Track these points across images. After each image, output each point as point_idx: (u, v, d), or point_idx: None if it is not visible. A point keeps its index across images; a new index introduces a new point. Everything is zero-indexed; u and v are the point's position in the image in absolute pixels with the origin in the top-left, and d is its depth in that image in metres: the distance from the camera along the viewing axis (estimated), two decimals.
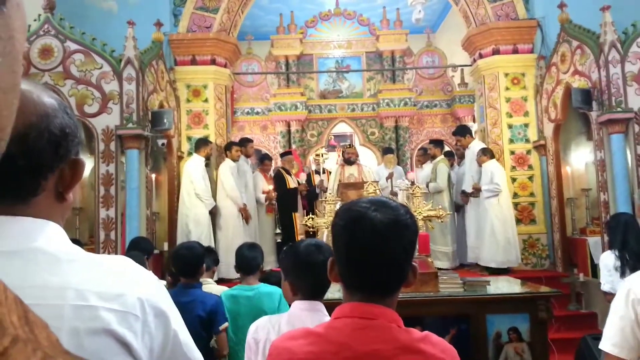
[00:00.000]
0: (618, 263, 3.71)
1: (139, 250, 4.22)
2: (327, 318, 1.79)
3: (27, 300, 0.44)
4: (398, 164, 8.98)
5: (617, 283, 3.71)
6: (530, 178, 7.38)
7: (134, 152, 5.93)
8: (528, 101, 7.49)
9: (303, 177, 8.52)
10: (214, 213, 6.76)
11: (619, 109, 5.71)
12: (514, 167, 7.36)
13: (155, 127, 6.27)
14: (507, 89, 7.53)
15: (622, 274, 3.66)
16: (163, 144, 6.50)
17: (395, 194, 7.20)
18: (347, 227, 1.14)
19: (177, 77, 7.55)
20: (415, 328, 1.15)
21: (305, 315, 1.88)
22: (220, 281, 5.33)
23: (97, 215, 5.85)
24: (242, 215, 6.86)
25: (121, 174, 5.93)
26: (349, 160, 7.80)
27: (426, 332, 1.13)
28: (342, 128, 10.55)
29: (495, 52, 7.57)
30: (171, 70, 7.40)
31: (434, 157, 7.72)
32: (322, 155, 8.68)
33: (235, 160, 7.05)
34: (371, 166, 8.82)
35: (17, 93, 0.48)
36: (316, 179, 8.50)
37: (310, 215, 4.56)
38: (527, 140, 7.43)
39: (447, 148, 9.24)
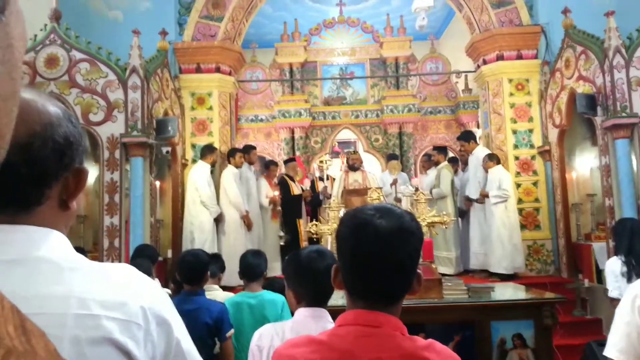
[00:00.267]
0: (624, 269, 3.69)
1: (144, 258, 4.24)
2: (331, 325, 1.79)
3: (30, 310, 0.44)
4: (402, 170, 8.97)
5: (625, 289, 3.69)
6: (535, 184, 7.36)
7: (139, 160, 5.95)
8: (532, 107, 7.48)
9: (307, 184, 8.52)
10: (218, 220, 6.76)
11: (623, 114, 5.69)
12: (518, 173, 7.35)
13: (160, 135, 6.29)
14: (511, 94, 7.53)
15: (629, 280, 3.65)
16: (167, 152, 6.52)
17: (400, 200, 7.20)
18: (352, 234, 1.14)
19: (182, 85, 7.58)
20: (419, 335, 1.14)
21: (309, 323, 1.87)
22: (222, 288, 5.32)
23: (102, 223, 5.87)
24: (244, 222, 6.86)
25: (125, 182, 5.95)
26: (354, 166, 7.80)
27: (430, 340, 1.13)
28: (346, 135, 10.56)
29: (499, 58, 7.57)
30: (176, 79, 7.43)
31: (437, 163, 7.72)
32: (325, 162, 8.68)
33: (238, 167, 7.06)
34: (375, 172, 8.81)
35: (17, 100, 0.49)
36: (320, 185, 8.50)
37: (314, 222, 4.56)
38: (532, 146, 7.42)
39: (450, 154, 9.25)
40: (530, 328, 3.65)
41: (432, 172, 7.82)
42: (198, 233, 6.55)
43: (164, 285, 5.21)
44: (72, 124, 0.85)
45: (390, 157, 8.93)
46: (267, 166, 7.97)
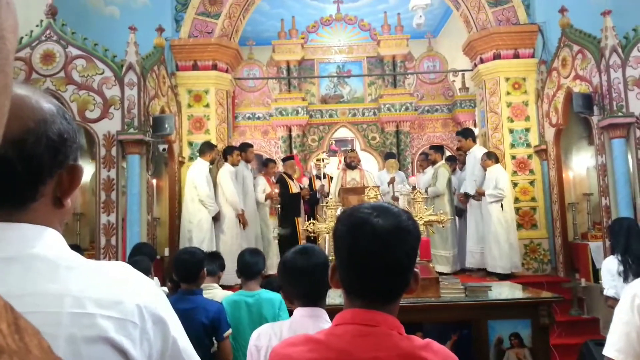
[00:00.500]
0: (621, 268, 3.70)
1: (143, 256, 4.22)
2: (328, 325, 1.79)
3: (25, 308, 0.44)
4: (399, 169, 8.97)
5: (621, 288, 3.70)
6: (532, 183, 7.38)
7: (135, 158, 5.93)
8: (529, 106, 7.50)
9: (305, 182, 8.51)
10: (215, 218, 6.73)
11: (620, 114, 5.70)
12: (515, 172, 7.36)
13: (157, 133, 6.27)
14: (508, 93, 7.54)
15: (625, 279, 3.65)
16: (164, 149, 6.49)
17: (397, 199, 7.20)
18: (349, 233, 1.13)
19: (179, 82, 7.56)
20: (416, 334, 1.14)
21: (307, 322, 1.87)
22: (221, 287, 5.30)
23: (98, 221, 5.85)
24: (239, 220, 6.85)
25: (122, 179, 5.93)
26: (351, 165, 7.79)
27: (428, 340, 1.12)
28: (343, 133, 10.55)
29: (496, 56, 7.58)
30: (172, 76, 7.41)
31: (434, 162, 7.72)
32: (323, 160, 8.67)
33: (235, 165, 7.04)
34: (373, 171, 8.81)
35: (9, 94, 0.48)
36: (317, 183, 8.50)
37: (311, 221, 4.56)
38: (528, 145, 7.43)
39: (447, 153, 9.25)
40: (528, 327, 3.66)
41: (430, 171, 7.82)
42: (196, 231, 6.51)
43: (162, 283, 5.20)
44: (66, 120, 0.84)
45: (387, 156, 8.93)
46: (266, 164, 7.93)
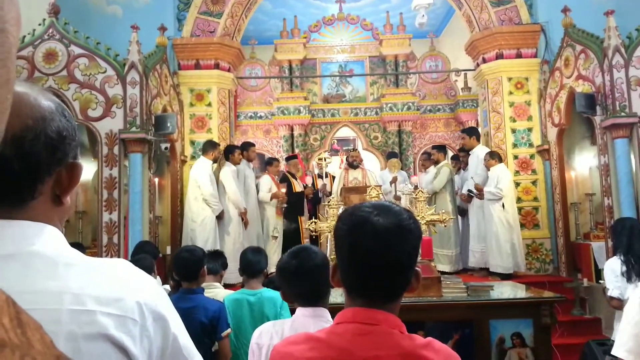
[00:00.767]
0: (624, 268, 3.69)
1: (146, 254, 4.23)
2: (330, 324, 1.79)
3: (24, 305, 0.44)
4: (401, 168, 8.96)
5: (624, 288, 3.69)
6: (534, 183, 7.37)
7: (137, 156, 5.94)
8: (532, 106, 7.49)
9: (308, 181, 8.50)
10: (219, 217, 6.70)
11: (622, 114, 5.69)
12: (517, 172, 7.35)
13: (159, 131, 6.28)
14: (511, 93, 7.53)
15: (629, 279, 3.64)
16: (166, 148, 6.49)
17: (399, 199, 7.19)
18: (349, 232, 1.13)
19: (181, 81, 7.57)
20: (418, 333, 1.13)
21: (308, 322, 1.87)
22: (224, 286, 5.30)
23: (100, 219, 5.86)
24: (241, 219, 6.84)
25: (124, 178, 5.94)
26: (353, 164, 7.79)
27: (429, 339, 1.12)
28: (345, 132, 10.54)
29: (499, 56, 7.57)
30: (175, 75, 7.42)
31: (437, 162, 7.71)
32: (325, 159, 8.67)
33: (236, 164, 7.03)
34: (375, 170, 8.80)
35: (11, 88, 0.48)
36: (319, 183, 8.49)
37: (313, 220, 4.56)
38: (531, 145, 7.42)
39: (450, 153, 9.24)
40: (529, 327, 3.65)
41: (432, 170, 7.81)
42: (200, 230, 6.48)
43: (163, 282, 5.21)
44: (65, 118, 0.84)
45: (390, 155, 8.92)
46: (270, 162, 7.81)
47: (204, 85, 7.67)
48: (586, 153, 6.99)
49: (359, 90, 10.57)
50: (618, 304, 3.75)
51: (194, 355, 0.92)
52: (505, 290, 4.24)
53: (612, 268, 3.81)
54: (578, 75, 6.40)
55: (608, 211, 5.90)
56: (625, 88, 5.73)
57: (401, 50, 10.21)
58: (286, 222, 7.48)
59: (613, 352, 1.62)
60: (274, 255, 6.99)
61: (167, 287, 4.11)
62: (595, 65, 6.04)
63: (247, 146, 7.52)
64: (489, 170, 6.83)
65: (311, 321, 1.87)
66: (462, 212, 7.58)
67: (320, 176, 8.69)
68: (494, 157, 6.83)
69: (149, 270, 3.63)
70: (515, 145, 7.45)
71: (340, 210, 4.22)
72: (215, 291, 3.49)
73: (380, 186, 5.12)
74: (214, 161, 6.88)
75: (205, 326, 2.95)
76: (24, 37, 5.86)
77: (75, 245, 0.87)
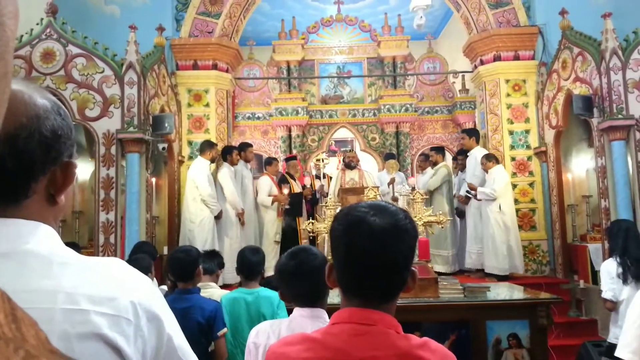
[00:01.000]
0: (620, 270, 3.69)
1: (144, 254, 4.22)
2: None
3: (17, 304, 0.44)
4: (399, 169, 8.96)
5: (620, 290, 3.70)
6: (531, 184, 7.38)
7: (135, 156, 5.93)
8: (529, 108, 7.50)
9: (308, 182, 8.49)
10: (217, 218, 6.68)
11: (620, 116, 5.70)
12: (514, 174, 7.36)
13: (156, 131, 6.27)
14: (508, 95, 7.54)
15: (624, 281, 3.65)
16: (164, 148, 6.48)
17: (397, 200, 7.19)
18: (345, 232, 1.13)
19: (179, 82, 7.56)
20: (414, 334, 1.13)
21: (306, 322, 1.87)
22: (222, 286, 5.29)
23: (97, 219, 5.85)
24: (239, 219, 6.83)
25: (121, 178, 5.93)
26: (350, 164, 7.79)
27: (425, 339, 1.12)
28: (343, 133, 10.53)
29: (497, 58, 7.58)
30: (173, 75, 7.41)
31: (435, 163, 7.72)
32: (322, 161, 8.66)
33: (234, 164, 7.02)
34: (372, 171, 8.79)
35: (9, 81, 0.47)
36: (316, 184, 8.49)
37: (310, 220, 4.56)
38: (528, 147, 7.43)
39: (448, 154, 9.25)
40: (526, 328, 3.65)
41: (429, 172, 7.82)
42: (199, 231, 6.45)
43: (160, 282, 5.19)
44: (60, 116, 0.83)
45: (387, 157, 8.93)
46: (269, 162, 7.73)
47: (202, 85, 7.66)
48: (583, 155, 7.01)
49: (357, 92, 10.56)
50: (612, 306, 3.76)
51: (189, 355, 0.92)
52: (501, 292, 4.25)
53: (608, 270, 3.82)
54: (575, 78, 6.41)
55: (605, 213, 5.91)
56: (623, 90, 5.75)
57: (399, 52, 10.21)
58: (287, 218, 7.41)
59: (617, 354, 1.62)
60: (273, 260, 6.96)
61: (164, 287, 4.10)
62: (592, 68, 6.05)
63: (244, 147, 7.51)
64: (487, 172, 6.84)
65: (309, 321, 1.87)
66: (460, 213, 7.59)
67: (318, 177, 8.68)
68: (490, 159, 6.83)
69: (146, 270, 3.62)
70: (512, 147, 7.46)
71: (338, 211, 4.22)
72: (210, 291, 3.48)
73: (377, 187, 5.12)
74: (212, 161, 6.86)
75: (202, 326, 2.95)
76: (22, 36, 5.85)
77: (71, 244, 0.86)
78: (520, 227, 7.08)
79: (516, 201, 7.18)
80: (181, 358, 0.89)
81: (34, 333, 0.41)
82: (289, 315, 2.09)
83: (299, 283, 1.92)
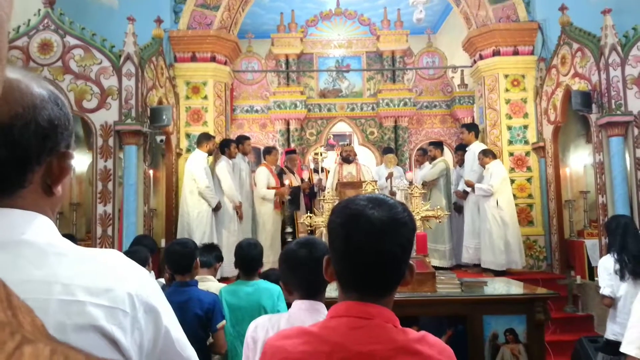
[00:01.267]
0: (617, 266, 3.70)
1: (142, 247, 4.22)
2: None
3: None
4: (397, 164, 8.96)
5: (617, 286, 3.70)
6: (529, 180, 7.38)
7: (132, 148, 5.91)
8: (528, 103, 7.50)
9: (306, 176, 8.48)
10: (216, 209, 6.64)
11: (618, 112, 5.70)
12: (512, 169, 7.36)
13: (154, 124, 6.25)
14: (507, 90, 7.53)
15: (622, 277, 3.65)
16: (161, 141, 6.46)
17: (395, 194, 7.20)
18: (343, 224, 1.12)
19: (177, 74, 7.53)
20: (411, 328, 1.13)
21: (305, 316, 1.86)
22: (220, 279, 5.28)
23: (94, 211, 5.84)
24: (237, 213, 6.82)
25: (119, 170, 5.91)
26: (347, 158, 7.78)
27: (423, 333, 1.12)
28: (341, 127, 10.52)
29: (496, 53, 7.57)
30: (171, 67, 7.38)
31: (434, 158, 7.71)
32: (321, 154, 8.65)
33: (232, 157, 7.00)
34: (370, 166, 8.79)
35: (3, 65, 0.46)
36: (314, 177, 8.48)
37: (309, 214, 4.55)
38: (526, 142, 7.43)
39: (447, 149, 9.24)
40: (523, 323, 3.66)
41: (427, 166, 7.83)
42: (197, 224, 6.43)
43: (158, 275, 5.19)
44: (58, 106, 0.82)
45: (386, 151, 8.92)
46: (269, 151, 7.59)
47: (200, 78, 7.63)
48: (581, 151, 7.01)
49: (355, 86, 10.54)
50: (610, 302, 3.77)
51: (187, 347, 0.91)
52: (498, 287, 4.26)
53: (605, 266, 3.83)
54: (574, 73, 6.40)
55: (602, 209, 5.92)
56: (621, 86, 5.74)
57: (398, 46, 10.18)
58: (290, 208, 7.35)
59: (622, 350, 1.62)
60: (270, 253, 6.94)
61: (162, 280, 4.09)
62: (591, 64, 6.04)
63: (242, 139, 7.49)
64: (484, 168, 6.84)
65: (308, 315, 1.86)
66: (458, 208, 7.60)
67: (316, 171, 8.68)
68: (488, 154, 6.83)
69: (143, 263, 3.62)
70: (510, 143, 7.46)
71: None
72: (208, 284, 3.48)
73: (375, 181, 5.11)
74: (209, 153, 6.84)
75: (201, 318, 2.95)
76: (19, 27, 5.82)
77: (67, 236, 0.85)
78: (517, 222, 7.09)
79: (514, 196, 7.18)
80: (178, 350, 0.88)
81: (30, 320, 0.41)
82: (288, 307, 2.07)
83: (311, 271, 1.88)
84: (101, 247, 5.73)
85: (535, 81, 7.42)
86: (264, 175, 7.24)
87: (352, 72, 10.45)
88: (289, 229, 7.24)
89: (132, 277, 0.83)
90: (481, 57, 7.73)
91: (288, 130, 10.08)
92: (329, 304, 1.41)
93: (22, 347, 0.37)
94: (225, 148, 7.00)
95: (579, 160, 7.03)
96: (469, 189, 6.93)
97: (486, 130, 7.63)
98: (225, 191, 6.73)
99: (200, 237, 6.03)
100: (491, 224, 6.60)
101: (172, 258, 3.17)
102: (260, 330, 1.95)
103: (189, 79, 7.61)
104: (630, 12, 6.33)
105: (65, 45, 5.90)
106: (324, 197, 4.79)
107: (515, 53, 7.53)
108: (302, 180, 8.04)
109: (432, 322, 3.69)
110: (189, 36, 7.49)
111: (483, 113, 7.77)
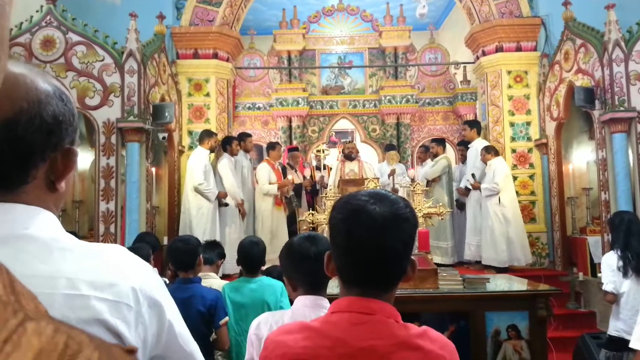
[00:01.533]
0: (620, 263, 3.69)
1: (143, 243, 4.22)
2: None
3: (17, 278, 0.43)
4: (399, 161, 8.95)
5: (620, 283, 3.70)
6: (532, 176, 7.37)
7: (135, 146, 5.92)
8: (530, 99, 7.48)
9: (308, 173, 8.47)
10: (220, 205, 6.64)
11: (621, 108, 5.68)
12: (515, 166, 7.35)
13: (156, 121, 6.25)
14: (510, 86, 7.51)
15: (625, 274, 3.65)
16: (164, 138, 6.47)
17: (397, 191, 7.19)
18: (345, 220, 1.12)
19: (179, 71, 7.53)
20: (414, 324, 1.13)
21: (308, 312, 1.85)
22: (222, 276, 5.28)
23: (97, 208, 5.85)
24: (239, 210, 6.82)
25: (121, 167, 5.92)
26: (349, 156, 7.77)
27: (425, 328, 1.11)
28: (343, 124, 10.51)
29: (499, 49, 7.55)
30: (173, 64, 7.38)
31: (436, 155, 7.70)
32: (323, 151, 8.64)
33: (234, 154, 7.00)
34: (372, 163, 8.78)
35: (5, 48, 0.46)
36: (317, 175, 8.48)
37: (310, 211, 4.55)
38: (529, 139, 7.41)
39: (449, 146, 9.24)
40: (525, 320, 3.65)
41: (429, 164, 7.82)
42: (198, 221, 6.43)
43: (161, 273, 5.20)
44: (62, 102, 0.82)
45: (388, 148, 8.91)
46: (273, 147, 7.57)
47: (202, 74, 7.63)
48: (584, 147, 6.99)
49: (357, 82, 10.52)
50: (613, 299, 3.76)
51: (190, 342, 0.92)
52: (501, 283, 4.25)
53: (609, 262, 3.82)
54: (577, 69, 6.38)
55: (605, 206, 5.91)
56: (625, 82, 5.72)
57: (401, 42, 10.15)
58: (293, 203, 7.34)
59: (632, 345, 1.62)
60: (270, 250, 6.92)
61: (165, 279, 4.10)
62: (595, 59, 6.02)
63: (244, 137, 7.49)
64: (486, 164, 6.83)
65: (311, 311, 1.85)
66: (460, 205, 7.59)
67: (318, 168, 8.67)
68: (490, 151, 6.82)
69: (145, 259, 3.62)
70: (513, 139, 7.44)
71: None
72: (210, 281, 3.48)
73: (378, 178, 5.11)
74: (211, 150, 6.84)
75: (204, 315, 2.96)
76: (21, 23, 5.82)
77: (69, 233, 0.85)
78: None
79: (517, 193, 7.16)
80: (182, 345, 0.89)
81: (33, 306, 0.41)
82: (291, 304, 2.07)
83: (311, 266, 1.88)
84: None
85: (538, 77, 7.40)
86: (265, 172, 7.22)
87: (355, 69, 10.43)
88: (292, 227, 7.23)
89: (136, 272, 0.84)
90: (484, 53, 7.71)
91: (290, 127, 10.08)
92: (330, 300, 1.40)
93: (25, 324, 0.38)
94: (227, 145, 7.00)
95: (582, 157, 7.01)
96: (470, 188, 6.94)
97: (489, 126, 7.61)
98: (227, 188, 6.73)
99: (201, 233, 6.03)
100: (493, 221, 6.60)
101: (174, 255, 3.17)
102: (264, 327, 1.94)
103: (191, 76, 7.61)
104: (634, 8, 6.30)
105: (68, 42, 5.90)
106: (326, 194, 4.79)
107: (518, 49, 7.51)
108: (304, 177, 8.03)
109: (435, 318, 3.69)
110: (191, 32, 7.49)
111: (485, 110, 7.76)
